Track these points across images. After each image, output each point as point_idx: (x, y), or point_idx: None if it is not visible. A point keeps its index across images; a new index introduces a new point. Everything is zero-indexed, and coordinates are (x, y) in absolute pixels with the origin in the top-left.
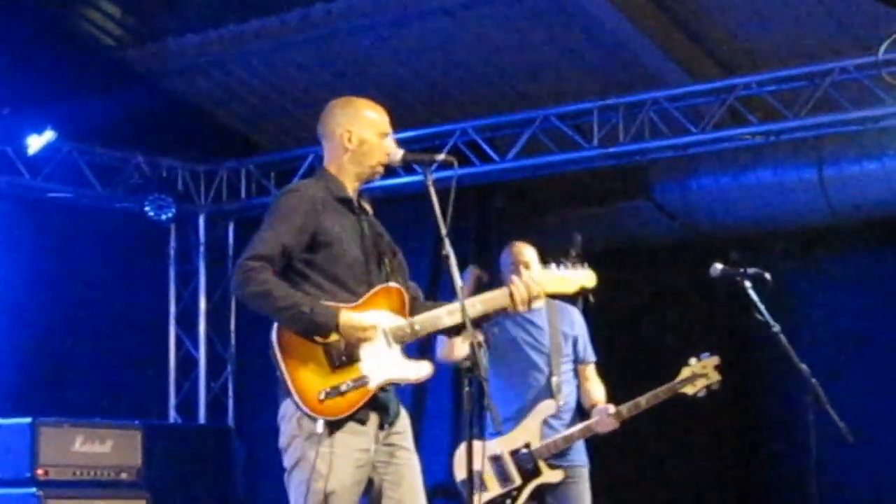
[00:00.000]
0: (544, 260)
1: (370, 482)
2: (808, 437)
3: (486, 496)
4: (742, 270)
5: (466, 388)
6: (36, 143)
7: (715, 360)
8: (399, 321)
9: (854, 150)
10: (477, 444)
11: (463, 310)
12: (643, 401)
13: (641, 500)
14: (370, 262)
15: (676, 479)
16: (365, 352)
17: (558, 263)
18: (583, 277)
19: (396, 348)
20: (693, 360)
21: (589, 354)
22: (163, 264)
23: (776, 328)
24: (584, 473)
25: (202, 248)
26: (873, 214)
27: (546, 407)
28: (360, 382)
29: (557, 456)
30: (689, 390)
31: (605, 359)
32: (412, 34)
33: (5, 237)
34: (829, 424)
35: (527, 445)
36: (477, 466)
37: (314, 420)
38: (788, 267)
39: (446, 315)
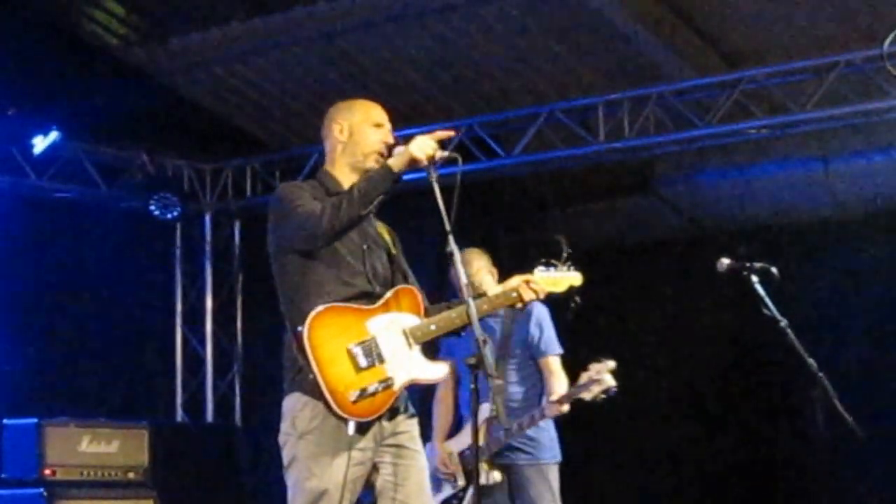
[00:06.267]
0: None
1: (372, 483)
2: (816, 433)
3: (440, 497)
4: (748, 265)
5: (473, 386)
6: (41, 143)
7: (610, 364)
8: (417, 321)
9: (860, 143)
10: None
11: (470, 311)
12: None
13: (644, 487)
14: (367, 251)
15: (679, 469)
16: (389, 353)
17: (547, 266)
18: (572, 278)
19: (416, 348)
20: (592, 365)
21: (550, 348)
22: (169, 263)
23: (783, 322)
24: (540, 470)
25: (208, 247)
26: (879, 207)
27: (483, 410)
28: (387, 384)
29: (499, 455)
30: (585, 396)
31: (612, 353)
32: (416, 31)
33: (11, 237)
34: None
35: (469, 447)
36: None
37: (345, 421)
38: (795, 260)
39: (456, 316)
